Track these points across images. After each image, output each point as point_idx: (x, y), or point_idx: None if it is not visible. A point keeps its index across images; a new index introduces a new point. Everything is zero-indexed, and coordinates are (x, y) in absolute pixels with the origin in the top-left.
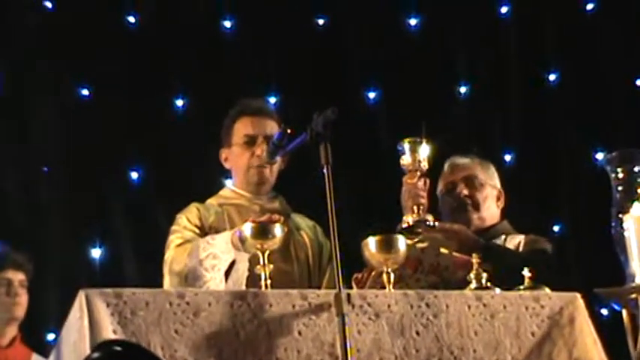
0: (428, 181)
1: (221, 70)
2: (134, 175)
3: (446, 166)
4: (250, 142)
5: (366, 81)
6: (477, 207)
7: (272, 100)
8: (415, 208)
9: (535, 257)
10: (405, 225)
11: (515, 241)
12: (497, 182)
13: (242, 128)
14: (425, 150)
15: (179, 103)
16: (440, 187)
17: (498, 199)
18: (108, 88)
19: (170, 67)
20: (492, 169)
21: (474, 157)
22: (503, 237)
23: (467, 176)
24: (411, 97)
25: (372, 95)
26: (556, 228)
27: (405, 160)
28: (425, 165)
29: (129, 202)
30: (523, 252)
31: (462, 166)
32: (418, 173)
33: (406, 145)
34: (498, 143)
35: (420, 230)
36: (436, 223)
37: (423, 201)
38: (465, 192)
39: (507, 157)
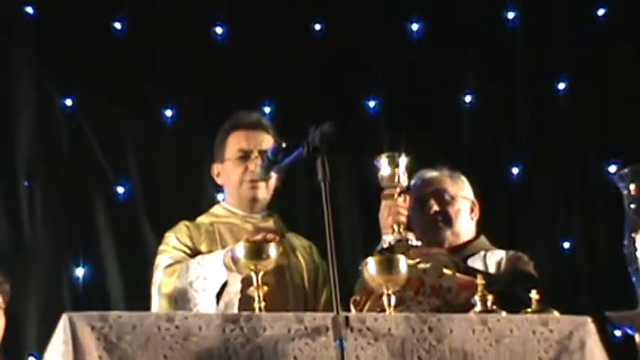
0: (408, 198)
1: (212, 79)
2: (120, 189)
3: (413, 182)
4: (244, 156)
5: (366, 89)
6: (449, 222)
7: (266, 110)
8: (395, 226)
9: (519, 280)
10: (385, 245)
11: (497, 257)
12: (469, 193)
13: (235, 142)
14: (404, 164)
15: (168, 113)
16: (409, 204)
17: (472, 210)
18: (92, 98)
19: (158, 76)
20: (463, 180)
21: (443, 169)
22: (482, 253)
23: (436, 190)
24: (414, 107)
25: (372, 104)
26: (566, 245)
27: (383, 175)
28: (405, 180)
29: (115, 218)
30: (505, 275)
31: (430, 180)
32: (397, 189)
33: (384, 160)
34: (505, 155)
35: (401, 251)
36: (418, 243)
37: (404, 219)
38: (436, 207)
39: (515, 170)
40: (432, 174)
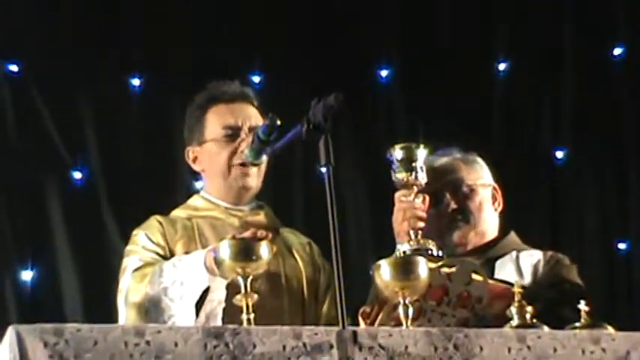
0: (428, 198)
1: (189, 41)
2: (77, 175)
3: None
4: (232, 135)
5: (378, 55)
6: (471, 221)
7: (255, 79)
8: (412, 233)
9: (567, 297)
10: (399, 255)
11: (533, 259)
12: (488, 178)
13: (218, 119)
14: (423, 157)
15: (135, 82)
16: (428, 205)
17: (495, 199)
18: (43, 64)
19: (124, 37)
20: (479, 163)
21: (453, 152)
22: (514, 254)
23: (450, 182)
24: (434, 76)
25: (384, 73)
26: (622, 246)
27: (398, 171)
28: (423, 177)
29: (71, 210)
30: (546, 287)
31: (441, 169)
32: (415, 188)
33: (398, 152)
34: (547, 136)
35: None
36: (440, 253)
37: (422, 224)
38: (454, 205)
39: (559, 154)
40: (442, 160)
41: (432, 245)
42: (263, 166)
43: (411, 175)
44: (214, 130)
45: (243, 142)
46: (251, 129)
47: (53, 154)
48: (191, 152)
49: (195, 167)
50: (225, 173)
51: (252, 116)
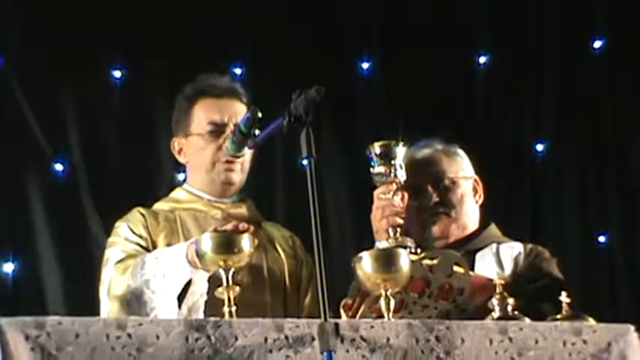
0: (407, 196)
1: (170, 33)
2: (59, 167)
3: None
4: (217, 130)
5: (359, 48)
6: (452, 214)
7: (237, 71)
8: (391, 230)
9: (548, 294)
10: None
11: (513, 252)
12: (469, 170)
13: (205, 113)
14: (402, 155)
15: (117, 74)
16: (407, 203)
17: (476, 191)
18: (24, 56)
19: (105, 29)
20: (460, 155)
21: (434, 143)
22: (494, 246)
23: (432, 175)
24: (416, 69)
25: (365, 66)
26: (602, 239)
27: (377, 168)
28: (402, 175)
29: (52, 203)
30: (526, 281)
31: (423, 161)
32: (394, 186)
33: (377, 150)
34: (528, 129)
35: None
36: (419, 250)
37: (401, 221)
38: (436, 198)
39: (539, 147)
40: (423, 152)
41: (410, 242)
42: (247, 162)
43: (390, 172)
44: (200, 124)
45: (227, 139)
46: (237, 126)
47: (34, 146)
48: (177, 143)
49: (180, 159)
50: (209, 168)
51: (238, 113)
